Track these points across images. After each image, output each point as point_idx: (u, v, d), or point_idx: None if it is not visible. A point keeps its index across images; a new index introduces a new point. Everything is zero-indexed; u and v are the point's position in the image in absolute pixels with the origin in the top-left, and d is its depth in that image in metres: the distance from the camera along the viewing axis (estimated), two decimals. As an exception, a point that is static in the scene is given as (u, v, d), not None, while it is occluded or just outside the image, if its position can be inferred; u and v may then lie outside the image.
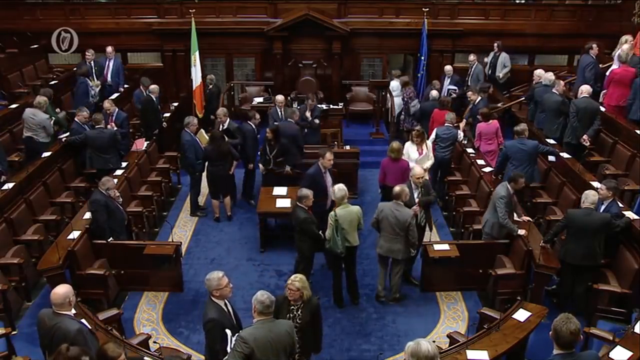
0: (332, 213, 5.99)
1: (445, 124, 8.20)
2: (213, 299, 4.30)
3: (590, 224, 5.65)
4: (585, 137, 7.77)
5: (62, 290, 4.18)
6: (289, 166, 8.16)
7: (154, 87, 9.26)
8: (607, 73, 8.53)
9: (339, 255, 6.01)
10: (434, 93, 9.50)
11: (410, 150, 7.59)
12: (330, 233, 5.94)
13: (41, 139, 8.02)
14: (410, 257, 6.35)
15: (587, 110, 7.72)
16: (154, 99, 9.19)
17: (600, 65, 9.02)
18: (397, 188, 6.09)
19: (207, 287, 4.31)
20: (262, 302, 3.95)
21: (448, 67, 10.49)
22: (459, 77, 10.54)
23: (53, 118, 8.22)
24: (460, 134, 8.49)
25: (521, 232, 6.23)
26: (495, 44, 10.66)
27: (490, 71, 10.80)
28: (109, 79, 10.16)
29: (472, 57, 10.65)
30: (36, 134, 7.98)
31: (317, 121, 8.97)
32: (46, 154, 7.79)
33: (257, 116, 8.44)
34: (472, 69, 10.54)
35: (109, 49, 10.15)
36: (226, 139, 8.04)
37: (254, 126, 8.32)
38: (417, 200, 6.39)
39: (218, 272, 4.32)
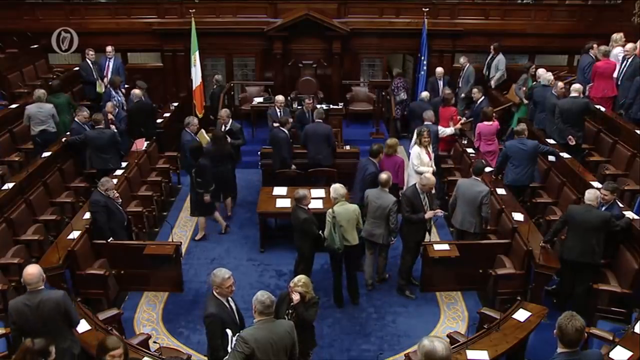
0: (329, 211, 6.01)
1: (425, 122, 8.18)
2: (215, 294, 4.35)
3: (589, 220, 5.65)
4: (570, 136, 7.80)
5: (35, 269, 4.37)
6: (206, 193, 7.33)
7: (136, 91, 9.13)
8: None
9: (336, 252, 6.04)
10: (424, 93, 9.53)
11: (421, 154, 7.44)
12: (328, 230, 5.97)
13: (52, 129, 8.28)
14: (389, 243, 6.47)
15: (571, 111, 7.76)
16: (143, 99, 9.10)
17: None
18: (383, 175, 6.33)
19: (211, 282, 4.37)
20: (262, 302, 3.96)
21: (439, 70, 10.41)
22: (449, 78, 10.58)
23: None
24: (442, 130, 8.35)
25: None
26: (492, 46, 10.57)
27: (487, 72, 10.74)
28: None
29: (462, 59, 10.56)
30: (48, 125, 8.22)
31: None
32: (46, 154, 7.80)
33: (290, 120, 8.34)
34: (464, 71, 10.46)
35: (109, 48, 10.12)
36: (229, 139, 8.05)
37: (287, 131, 8.20)
38: (424, 205, 6.36)
39: (226, 272, 4.35)
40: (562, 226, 5.98)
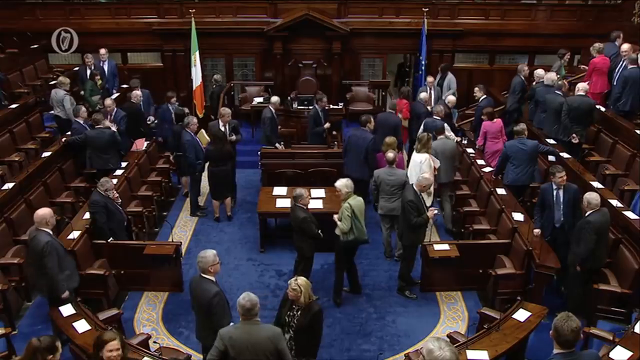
0: (346, 205, 6.01)
1: (434, 116, 8.22)
2: (206, 276, 4.42)
3: (607, 222, 5.73)
4: (574, 134, 7.81)
5: (42, 212, 5.29)
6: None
7: (134, 92, 9.11)
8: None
9: (365, 243, 6.29)
10: (422, 94, 9.43)
11: (423, 164, 7.27)
12: (349, 224, 5.99)
13: (63, 116, 8.65)
14: None
15: (580, 108, 7.77)
16: (136, 103, 9.01)
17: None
18: (390, 154, 6.86)
19: (202, 265, 4.47)
20: (242, 306, 3.97)
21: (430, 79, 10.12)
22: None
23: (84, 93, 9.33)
24: (449, 129, 8.24)
25: None
26: (439, 67, 10.40)
27: (440, 93, 10.39)
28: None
29: (430, 79, 10.10)
30: (58, 111, 8.75)
31: (327, 125, 8.96)
32: (46, 154, 7.80)
33: (372, 119, 8.03)
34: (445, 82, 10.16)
35: (102, 51, 10.10)
36: (231, 138, 8.07)
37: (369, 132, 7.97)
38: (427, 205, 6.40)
39: (211, 251, 4.52)
40: (596, 243, 5.62)
